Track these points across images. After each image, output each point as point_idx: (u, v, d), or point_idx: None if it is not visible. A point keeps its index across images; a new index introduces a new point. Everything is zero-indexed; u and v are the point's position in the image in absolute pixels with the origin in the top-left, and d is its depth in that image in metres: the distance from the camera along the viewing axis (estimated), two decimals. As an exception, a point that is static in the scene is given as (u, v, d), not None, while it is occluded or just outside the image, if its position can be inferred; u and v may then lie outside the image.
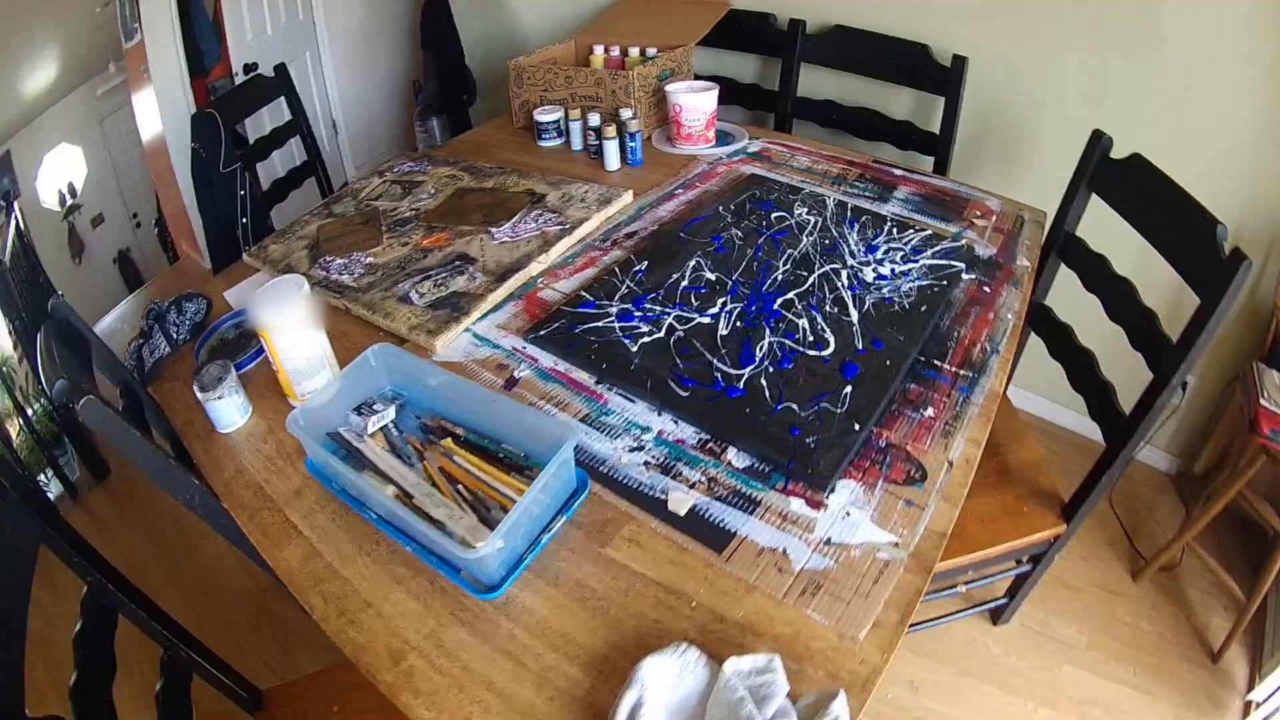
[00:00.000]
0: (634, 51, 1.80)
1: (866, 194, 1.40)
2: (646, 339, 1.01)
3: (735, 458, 0.84)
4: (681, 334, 1.01)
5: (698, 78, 1.86)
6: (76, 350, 1.08)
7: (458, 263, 1.23)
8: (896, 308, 1.07)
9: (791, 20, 1.76)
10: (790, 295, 1.08)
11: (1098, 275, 1.15)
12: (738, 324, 1.03)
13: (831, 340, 1.00)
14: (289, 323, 0.97)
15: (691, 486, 0.82)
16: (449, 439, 0.92)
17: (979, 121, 1.68)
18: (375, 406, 0.96)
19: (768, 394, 0.91)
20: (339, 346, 1.11)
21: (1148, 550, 1.60)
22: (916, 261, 1.17)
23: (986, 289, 1.13)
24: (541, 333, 1.04)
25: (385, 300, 1.17)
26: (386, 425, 0.95)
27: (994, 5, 1.56)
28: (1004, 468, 1.27)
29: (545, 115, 1.67)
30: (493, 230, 1.31)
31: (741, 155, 1.58)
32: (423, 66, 2.62)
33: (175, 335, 1.18)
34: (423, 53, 2.58)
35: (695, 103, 1.55)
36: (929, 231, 1.26)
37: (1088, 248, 1.19)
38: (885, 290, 1.10)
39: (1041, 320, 1.29)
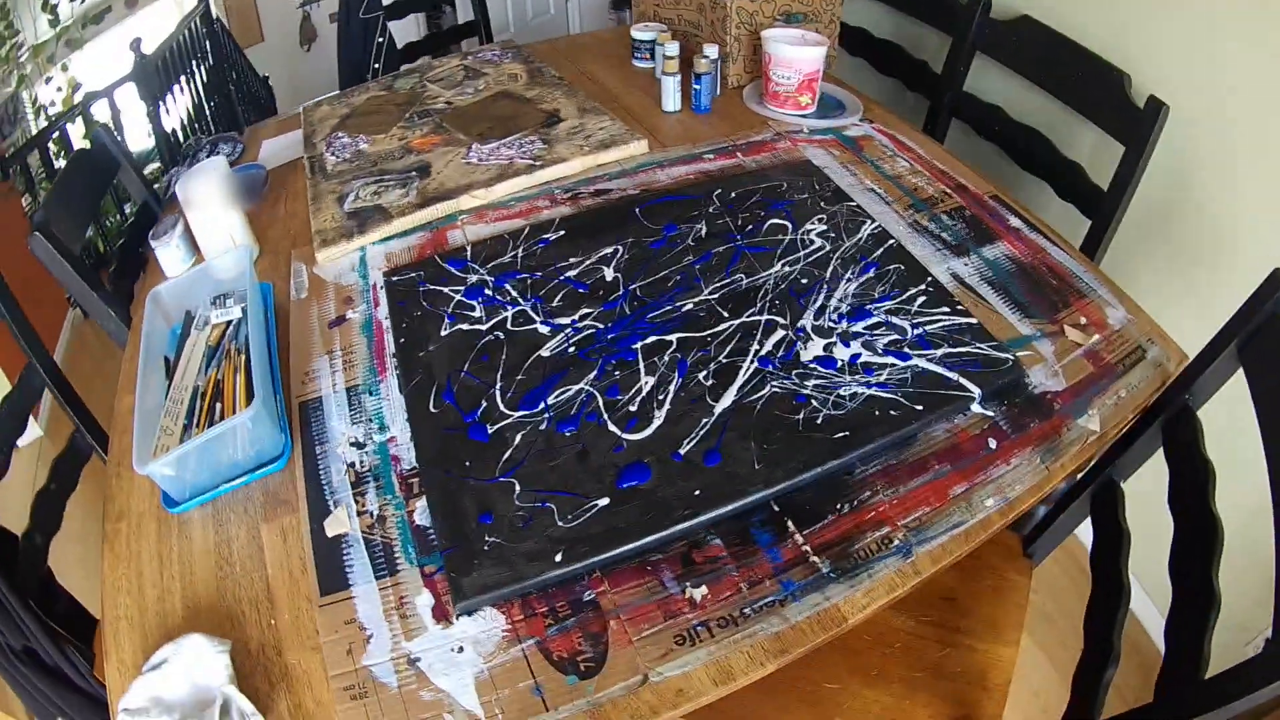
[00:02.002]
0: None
1: (943, 235, 1.00)
2: (464, 326, 0.86)
3: (420, 512, 0.70)
4: (501, 336, 0.84)
5: (845, 33, 1.47)
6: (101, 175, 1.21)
7: (413, 173, 1.15)
8: (800, 416, 0.74)
9: (975, -5, 1.28)
10: (672, 337, 0.84)
11: (1190, 494, 0.71)
12: (571, 349, 0.82)
13: (655, 423, 0.74)
14: (201, 201, 1.04)
15: (360, 514, 0.70)
16: (245, 356, 0.89)
17: (1165, 194, 1.14)
18: (229, 301, 0.96)
19: (507, 455, 0.72)
20: (282, 228, 1.12)
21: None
22: (908, 357, 0.80)
23: (993, 442, 0.74)
24: (394, 279, 0.94)
25: (329, 195, 1.14)
26: (231, 323, 0.95)
27: (1233, 44, 0.99)
28: (944, 666, 0.87)
29: (641, 33, 1.45)
30: (474, 146, 1.19)
31: (830, 135, 1.23)
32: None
33: None
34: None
35: (790, 57, 1.22)
36: (974, 321, 0.84)
37: (1200, 443, 0.73)
38: (811, 384, 0.77)
39: (1102, 506, 0.86)
